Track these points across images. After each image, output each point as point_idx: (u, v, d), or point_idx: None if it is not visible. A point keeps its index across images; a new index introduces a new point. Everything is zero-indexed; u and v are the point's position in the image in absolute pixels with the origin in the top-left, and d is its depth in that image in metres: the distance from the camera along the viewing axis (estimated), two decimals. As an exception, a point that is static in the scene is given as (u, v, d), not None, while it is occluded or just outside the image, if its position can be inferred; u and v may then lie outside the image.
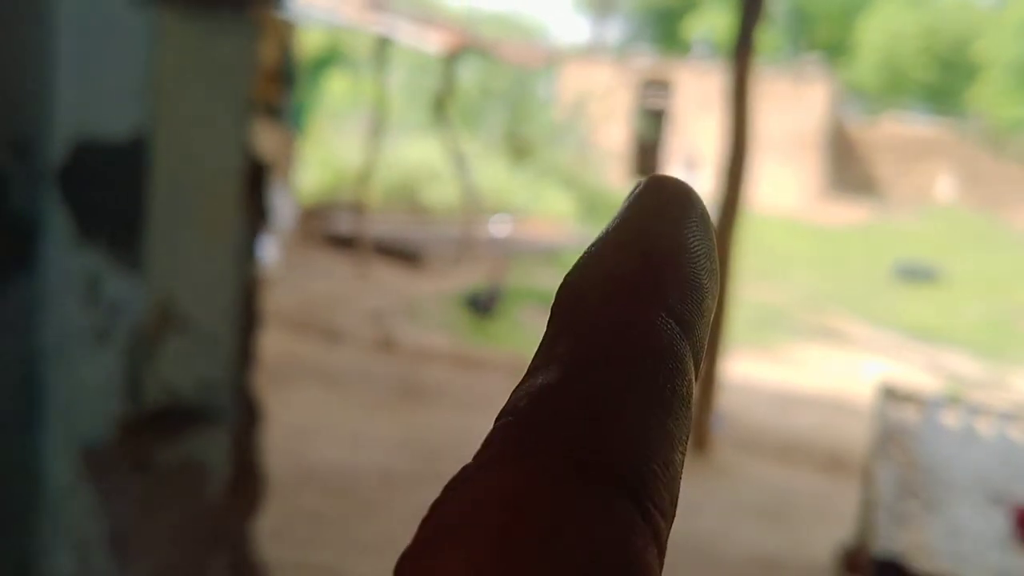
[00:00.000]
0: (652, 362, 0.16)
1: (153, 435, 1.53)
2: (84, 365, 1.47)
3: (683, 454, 0.17)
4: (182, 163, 1.51)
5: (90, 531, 1.52)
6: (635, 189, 0.19)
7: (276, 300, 7.46)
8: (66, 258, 1.46)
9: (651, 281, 0.17)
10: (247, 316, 1.69)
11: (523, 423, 0.16)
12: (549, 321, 0.18)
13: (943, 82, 29.35)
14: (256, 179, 1.68)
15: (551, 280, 11.29)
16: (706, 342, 0.18)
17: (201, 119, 1.55)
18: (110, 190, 1.47)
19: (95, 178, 1.47)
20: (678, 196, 0.19)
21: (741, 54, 5.36)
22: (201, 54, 1.54)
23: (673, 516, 0.17)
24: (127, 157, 1.45)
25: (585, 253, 0.18)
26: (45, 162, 1.46)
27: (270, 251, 8.08)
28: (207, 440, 1.64)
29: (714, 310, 0.19)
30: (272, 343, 6.37)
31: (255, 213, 1.69)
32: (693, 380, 0.17)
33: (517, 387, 0.17)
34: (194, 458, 1.62)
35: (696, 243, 0.18)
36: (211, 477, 1.65)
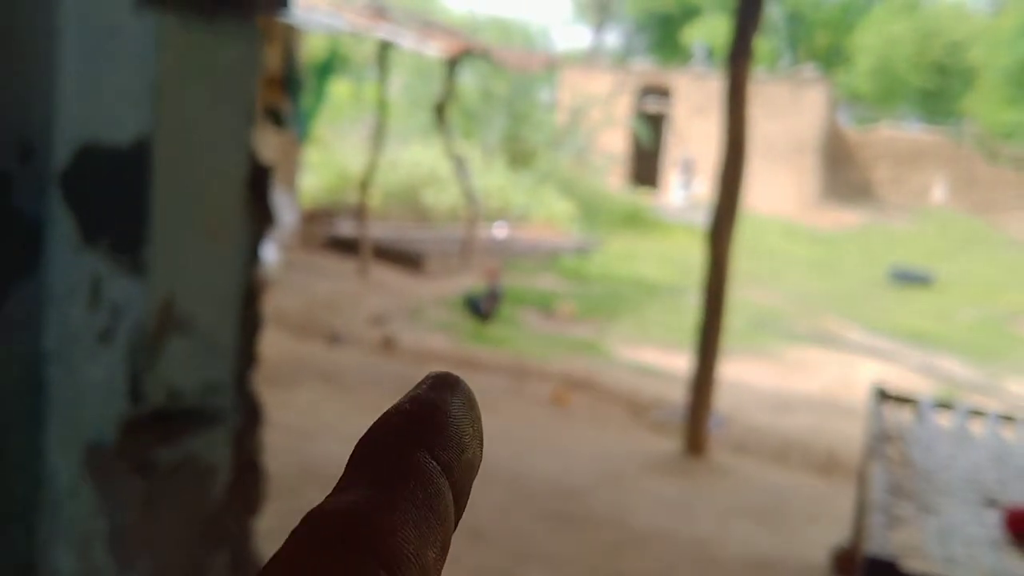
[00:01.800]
0: (411, 481, 0.23)
1: (155, 435, 1.53)
2: (87, 366, 1.47)
3: (436, 555, 0.23)
4: (185, 167, 1.51)
5: (92, 529, 1.52)
6: (422, 381, 0.26)
7: (278, 302, 7.46)
8: (70, 260, 1.46)
9: (421, 433, 0.24)
10: (249, 318, 1.69)
11: (319, 521, 0.22)
12: (350, 459, 0.24)
13: (938, 88, 29.36)
14: (259, 183, 1.68)
15: (550, 283, 11.29)
16: (467, 486, 0.25)
17: (204, 124, 1.55)
18: (114, 193, 1.47)
19: (99, 182, 1.47)
20: (449, 382, 0.26)
21: (738, 60, 5.36)
22: (205, 60, 1.54)
23: None
24: (131, 161, 1.45)
25: (381, 416, 0.25)
26: (50, 166, 1.46)
27: (272, 253, 8.08)
28: (208, 440, 1.64)
29: (476, 464, 0.25)
30: (274, 344, 6.38)
31: (258, 217, 1.69)
32: (450, 504, 0.24)
33: (324, 500, 0.23)
34: (195, 458, 1.62)
35: (459, 412, 0.25)
36: (212, 477, 1.65)
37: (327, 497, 0.23)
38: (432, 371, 0.27)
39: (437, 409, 0.25)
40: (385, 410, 0.25)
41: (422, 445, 0.24)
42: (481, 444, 0.26)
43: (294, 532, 0.22)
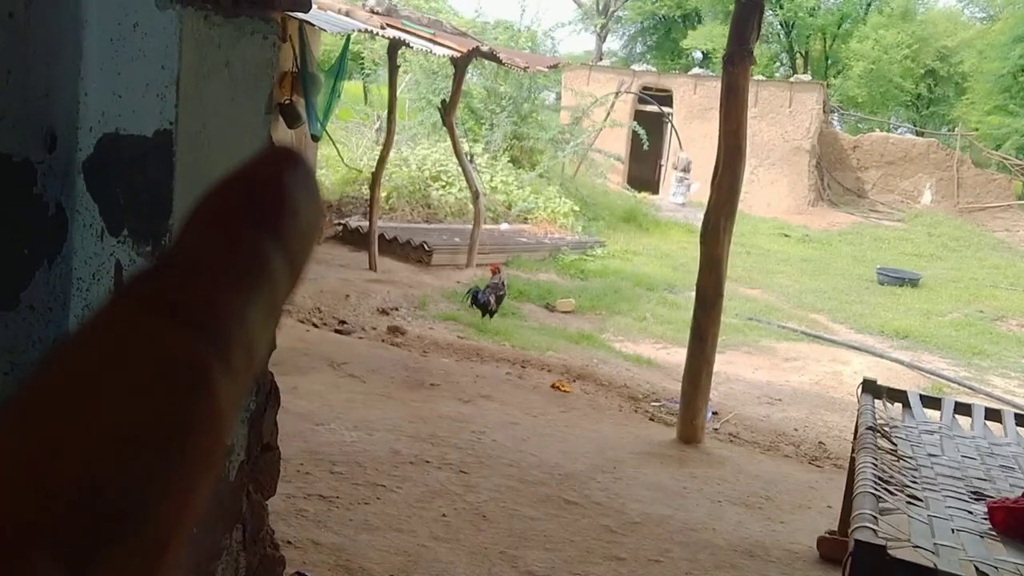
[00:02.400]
0: (229, 248, 0.22)
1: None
2: (108, 349, 1.47)
3: (262, 313, 0.22)
4: (205, 159, 1.51)
5: (111, 507, 1.52)
6: (258, 154, 0.25)
7: (290, 292, 7.44)
8: (94, 248, 1.46)
9: (246, 201, 0.23)
10: (264, 305, 1.69)
11: (123, 288, 0.21)
12: (183, 225, 0.23)
13: (930, 94, 29.29)
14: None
15: (551, 278, 11.28)
16: (304, 248, 0.24)
17: (224, 116, 1.55)
18: (136, 182, 1.47)
19: (122, 172, 1.47)
20: (283, 153, 0.24)
21: (736, 65, 5.35)
22: (225, 54, 1.53)
23: (252, 355, 0.21)
24: (153, 151, 1.45)
25: (212, 186, 0.23)
26: (75, 155, 1.46)
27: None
28: (224, 423, 1.64)
29: (314, 230, 0.24)
30: (284, 332, 6.37)
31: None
32: (272, 267, 0.22)
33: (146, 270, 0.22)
34: (211, 439, 1.62)
35: (292, 182, 0.23)
36: (228, 457, 1.65)
37: (149, 268, 0.22)
38: (270, 145, 0.26)
39: (266, 176, 0.23)
40: (218, 182, 0.24)
41: (249, 213, 0.22)
42: (319, 211, 0.25)
43: (112, 295, 0.21)
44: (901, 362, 9.21)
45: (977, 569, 2.04)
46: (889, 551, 2.02)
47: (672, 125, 20.44)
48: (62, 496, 0.18)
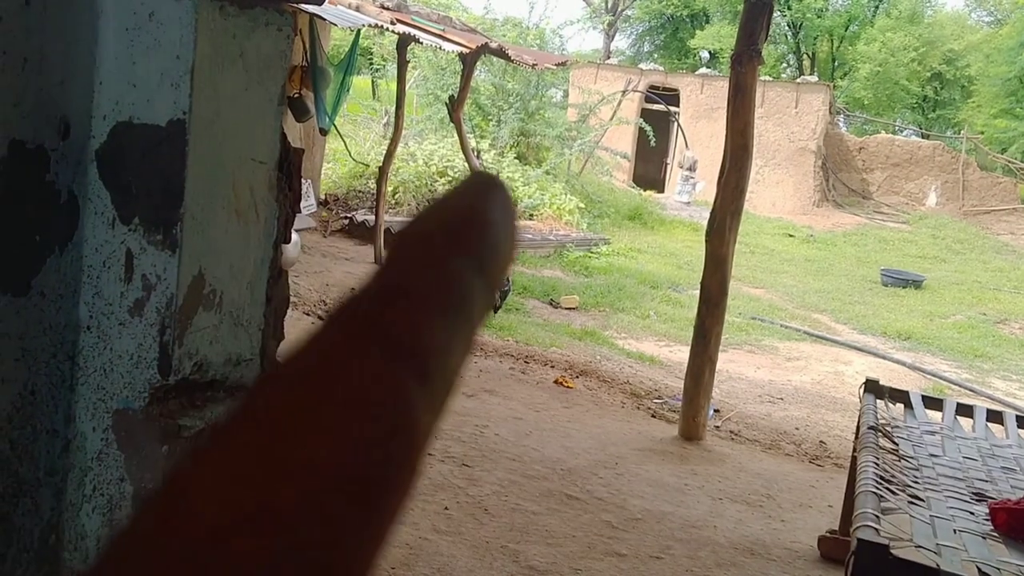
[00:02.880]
0: (436, 279, 0.22)
1: (181, 404, 1.53)
2: (119, 336, 1.47)
3: (461, 344, 0.22)
4: (217, 148, 1.51)
5: (118, 493, 1.52)
6: (464, 181, 0.25)
7: (295, 284, 7.46)
8: (105, 235, 1.46)
9: (453, 231, 0.23)
10: (275, 296, 1.69)
11: (333, 315, 0.21)
12: (389, 252, 0.23)
13: (936, 97, 29.22)
14: (287, 166, 1.68)
15: (556, 275, 11.28)
16: (501, 278, 0.24)
17: (237, 106, 1.55)
18: (149, 171, 1.47)
19: (134, 159, 1.47)
20: (487, 181, 0.25)
21: (743, 64, 5.33)
22: (239, 45, 1.53)
23: (449, 384, 0.22)
24: (166, 140, 1.45)
25: (420, 212, 0.24)
26: (88, 143, 1.46)
27: (291, 237, 8.08)
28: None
29: (511, 259, 0.25)
30: (290, 325, 6.37)
31: (286, 198, 1.68)
32: (473, 297, 0.23)
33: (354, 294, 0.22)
34: (219, 428, 1.62)
35: (497, 215, 0.24)
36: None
37: (357, 290, 0.23)
38: (474, 171, 0.26)
39: (476, 214, 0.24)
40: (423, 209, 0.24)
41: (457, 249, 0.23)
42: (516, 242, 0.25)
43: (323, 322, 0.22)
44: (903, 363, 9.19)
45: (979, 570, 2.04)
46: (891, 551, 2.02)
47: (679, 124, 20.41)
48: (269, 532, 0.17)
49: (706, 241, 5.53)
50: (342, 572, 0.18)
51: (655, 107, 20.46)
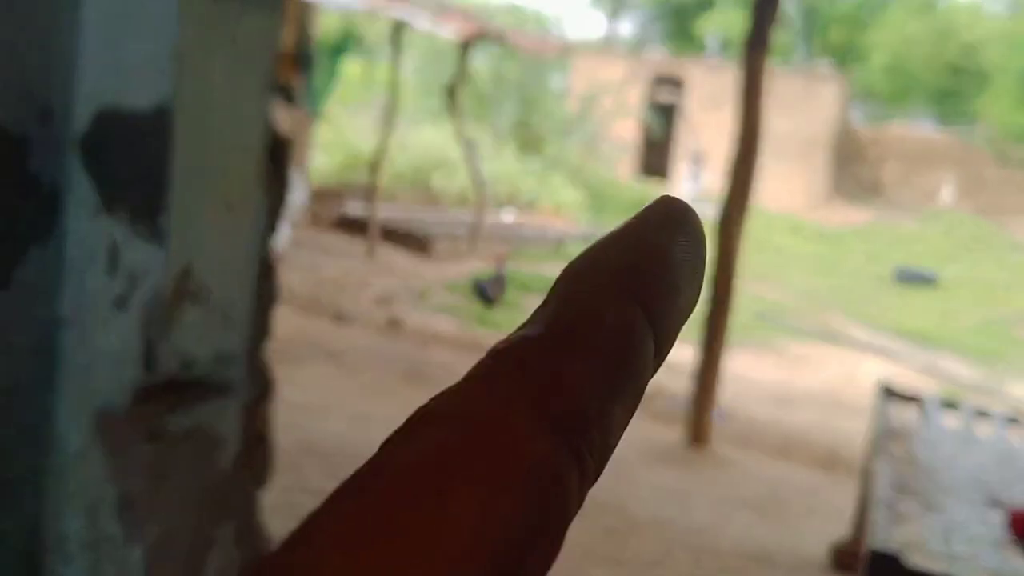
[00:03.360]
0: (613, 337, 0.20)
1: (166, 403, 1.53)
2: (102, 332, 1.47)
3: (624, 416, 0.21)
4: (204, 136, 1.51)
5: (101, 495, 1.52)
6: (648, 208, 0.23)
7: (285, 279, 7.46)
8: (88, 226, 1.46)
9: (632, 275, 0.21)
10: (263, 291, 1.69)
11: (497, 360, 0.20)
12: (549, 292, 0.21)
13: (952, 88, 29.23)
14: (278, 155, 1.67)
15: (555, 270, 11.27)
16: (674, 335, 0.22)
17: (224, 93, 1.54)
18: (133, 159, 1.46)
19: (118, 148, 1.47)
20: (676, 213, 0.22)
21: (754, 52, 5.33)
22: (226, 29, 1.53)
23: (602, 464, 0.20)
24: (150, 128, 1.45)
25: (590, 246, 0.22)
26: (69, 130, 1.45)
27: (281, 230, 8.08)
28: (219, 411, 1.64)
29: (690, 312, 0.22)
30: (280, 321, 6.37)
31: (275, 189, 1.68)
32: (648, 362, 0.21)
33: (510, 335, 0.21)
34: (205, 428, 1.62)
35: (681, 253, 0.22)
36: (221, 447, 1.65)
37: (511, 334, 0.21)
38: (662, 196, 0.23)
39: (656, 252, 0.21)
40: (600, 240, 0.22)
41: (630, 293, 0.21)
42: (701, 283, 0.23)
43: (473, 369, 0.20)
44: (916, 365, 9.20)
45: (994, 579, 2.04)
46: (904, 559, 2.02)
47: (684, 114, 20.41)
48: None
49: (713, 236, 5.54)
50: None
51: (660, 96, 20.46)
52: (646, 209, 0.22)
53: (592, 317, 0.20)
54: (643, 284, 0.21)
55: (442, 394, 0.19)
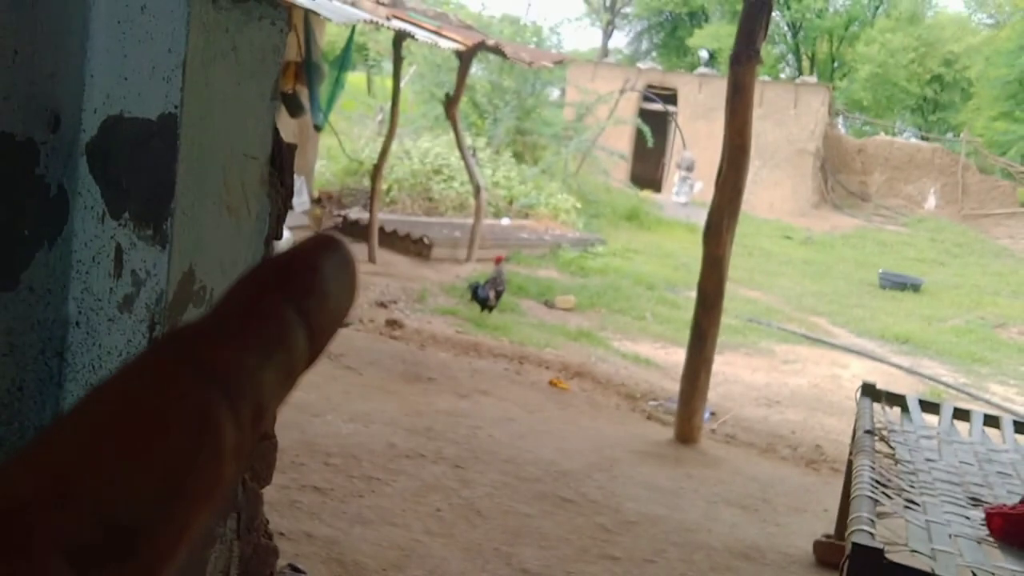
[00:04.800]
0: (261, 319, 0.24)
1: (171, 402, 1.52)
2: (107, 333, 1.47)
3: (277, 383, 0.24)
4: (209, 143, 1.51)
5: (107, 492, 1.52)
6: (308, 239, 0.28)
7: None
8: (94, 229, 1.46)
9: (283, 277, 0.25)
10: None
11: (166, 338, 0.24)
12: (221, 298, 0.26)
13: (935, 99, 29.28)
14: (282, 161, 1.67)
15: (551, 275, 11.28)
16: (329, 330, 0.26)
17: (229, 101, 1.54)
18: (139, 165, 1.46)
19: (125, 153, 1.47)
20: (328, 239, 0.27)
21: (742, 64, 5.34)
22: (232, 38, 1.53)
23: (259, 415, 0.24)
24: (157, 134, 1.45)
25: (255, 264, 0.26)
26: (78, 136, 1.45)
27: (284, 234, 8.07)
28: (222, 409, 1.63)
29: (343, 314, 0.27)
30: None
31: (278, 195, 1.68)
32: (297, 343, 0.25)
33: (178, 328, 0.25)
34: (209, 426, 1.61)
35: (330, 267, 0.26)
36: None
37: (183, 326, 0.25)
38: (318, 234, 0.28)
39: (304, 259, 0.26)
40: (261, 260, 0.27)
41: (279, 289, 0.25)
42: (352, 296, 0.27)
43: (143, 350, 0.24)
44: (900, 367, 9.21)
45: (974, 575, 2.05)
46: (886, 555, 2.02)
47: (676, 124, 20.43)
48: (81, 512, 0.21)
49: (703, 242, 5.54)
50: (133, 563, 0.21)
51: (653, 107, 20.48)
52: (305, 239, 0.27)
53: (244, 304, 0.24)
54: (293, 284, 0.25)
55: (124, 364, 0.23)
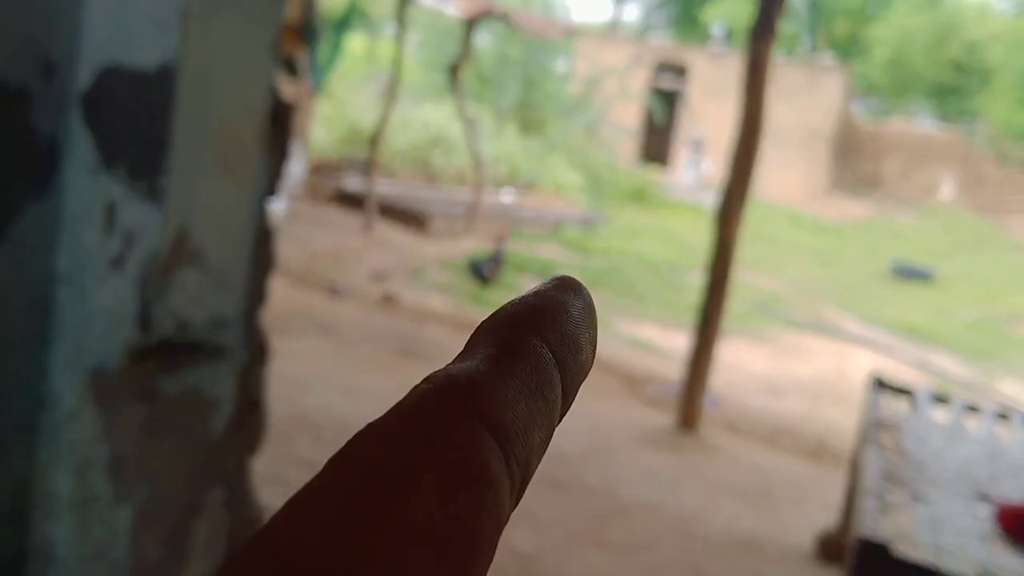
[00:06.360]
0: (528, 364, 0.24)
1: (161, 365, 1.52)
2: (97, 291, 1.46)
3: (540, 445, 0.24)
4: (207, 97, 1.49)
5: (91, 455, 1.52)
6: (547, 281, 0.27)
7: (281, 252, 7.44)
8: (86, 183, 1.45)
9: (541, 324, 0.25)
10: (261, 256, 1.68)
11: (439, 381, 0.23)
12: (470, 337, 0.25)
13: (954, 85, 29.18)
14: (280, 119, 1.66)
15: (552, 253, 11.27)
16: (576, 386, 0.26)
17: (229, 55, 1.53)
18: (134, 118, 1.45)
19: (120, 105, 1.45)
20: (572, 282, 0.27)
21: (759, 41, 5.31)
22: (234, -11, 1.52)
23: (524, 482, 0.23)
24: (153, 86, 1.43)
25: (504, 304, 0.26)
26: (72, 86, 1.44)
27: (278, 202, 8.05)
28: (213, 374, 1.63)
29: (588, 368, 0.26)
30: (274, 293, 6.37)
31: (276, 154, 1.67)
32: (557, 392, 0.24)
33: (445, 366, 0.24)
34: (199, 391, 1.61)
35: (578, 314, 0.26)
36: (214, 411, 1.64)
37: (448, 364, 0.24)
38: (557, 274, 0.27)
39: (559, 305, 0.25)
40: (511, 300, 0.26)
41: (541, 335, 0.24)
42: (595, 350, 0.27)
43: (414, 388, 0.23)
44: (909, 359, 9.23)
45: (980, 570, 2.05)
46: (892, 549, 2.03)
47: (686, 101, 20.35)
48: (367, 568, 0.19)
49: (713, 225, 5.53)
50: None
51: (663, 82, 20.39)
52: (547, 282, 0.27)
53: (513, 350, 0.24)
54: (550, 329, 0.25)
55: (389, 411, 0.22)
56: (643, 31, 31.16)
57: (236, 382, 1.67)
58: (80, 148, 1.45)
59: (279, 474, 3.71)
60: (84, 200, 1.45)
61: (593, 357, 0.26)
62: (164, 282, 1.48)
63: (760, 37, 5.30)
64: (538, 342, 0.24)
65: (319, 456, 3.96)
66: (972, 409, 3.76)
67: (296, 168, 10.78)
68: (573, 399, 0.26)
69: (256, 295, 1.68)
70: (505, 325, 0.25)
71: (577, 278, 0.27)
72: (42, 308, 1.47)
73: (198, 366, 1.58)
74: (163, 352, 1.51)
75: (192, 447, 1.62)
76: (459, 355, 0.24)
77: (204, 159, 1.51)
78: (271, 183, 1.68)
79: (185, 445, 1.61)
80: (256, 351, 1.72)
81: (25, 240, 1.46)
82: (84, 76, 1.44)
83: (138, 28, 1.44)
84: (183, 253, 1.51)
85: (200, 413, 1.61)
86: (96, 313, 1.46)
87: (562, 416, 0.25)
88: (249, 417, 1.75)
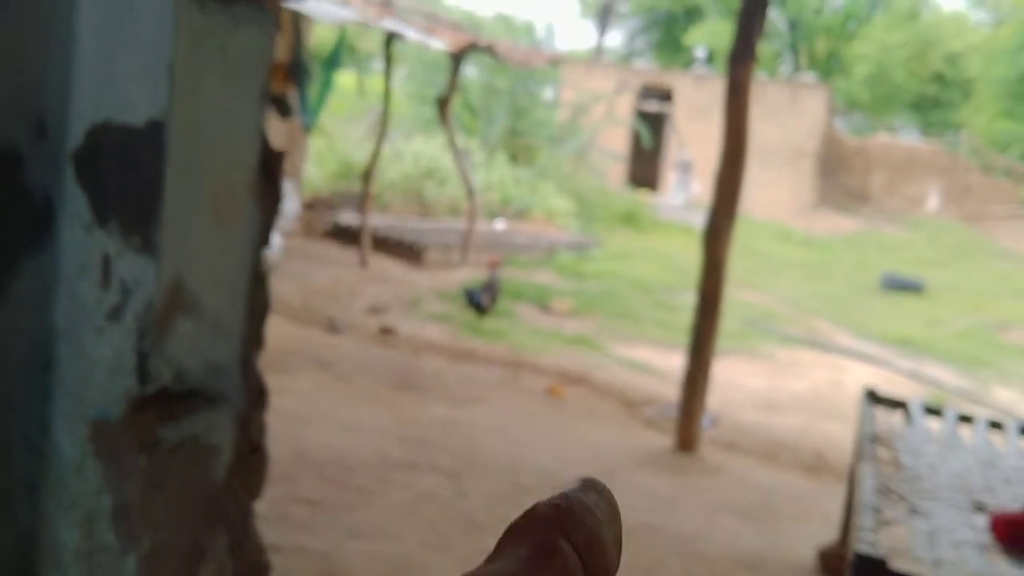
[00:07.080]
0: (555, 567, 0.26)
1: (160, 414, 1.53)
2: (96, 343, 1.47)
3: None
4: (198, 149, 1.51)
5: (96, 506, 1.52)
6: (574, 482, 0.30)
7: (277, 288, 7.44)
8: (81, 238, 1.46)
9: (565, 523, 0.27)
10: (256, 302, 1.69)
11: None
12: (502, 536, 0.28)
13: (936, 98, 29.36)
14: (271, 168, 1.68)
15: (547, 279, 11.29)
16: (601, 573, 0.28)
17: (218, 107, 1.55)
18: (126, 173, 1.47)
19: (111, 161, 1.47)
20: (596, 487, 0.29)
21: (739, 63, 5.35)
22: (220, 43, 1.53)
23: None
24: (144, 141, 1.45)
25: (533, 505, 0.28)
26: (64, 144, 1.45)
27: (274, 240, 8.07)
28: (212, 421, 1.63)
29: (613, 568, 0.28)
30: (272, 330, 6.36)
31: (268, 201, 1.68)
32: None
33: (477, 567, 0.27)
34: (199, 438, 1.62)
35: (601, 514, 0.28)
36: (215, 457, 1.65)
37: (479, 566, 0.27)
38: (583, 476, 0.30)
39: (582, 506, 0.28)
40: (538, 503, 0.29)
41: (568, 536, 0.27)
42: (620, 550, 0.29)
43: None
44: (902, 371, 9.23)
45: (979, 583, 2.05)
46: (890, 564, 2.03)
47: (673, 124, 20.47)
48: None
49: (702, 244, 5.55)
50: None
51: (649, 106, 20.51)
52: (576, 483, 0.29)
53: (541, 553, 0.26)
54: (577, 532, 0.27)
55: None
56: (627, 57, 31.37)
57: (235, 428, 1.67)
58: (74, 204, 1.46)
59: (282, 513, 3.70)
60: (80, 255, 1.46)
61: (619, 559, 0.29)
62: (161, 332, 1.49)
63: (740, 59, 5.35)
64: (565, 543, 0.27)
65: (321, 494, 3.95)
66: (966, 419, 3.76)
67: (290, 206, 10.81)
68: None
69: (252, 340, 1.69)
70: (535, 527, 0.27)
71: (601, 481, 0.29)
72: (42, 362, 1.48)
73: (197, 414, 1.58)
74: (162, 401, 1.52)
75: (194, 494, 1.63)
76: (491, 554, 0.27)
77: (196, 210, 1.52)
78: (264, 230, 1.69)
79: (187, 493, 1.62)
80: (254, 396, 1.73)
81: (23, 296, 1.47)
82: (75, 134, 1.45)
83: (127, 84, 1.45)
84: (178, 303, 1.52)
85: (200, 460, 1.62)
86: (95, 365, 1.47)
87: None
88: (250, 461, 1.75)
